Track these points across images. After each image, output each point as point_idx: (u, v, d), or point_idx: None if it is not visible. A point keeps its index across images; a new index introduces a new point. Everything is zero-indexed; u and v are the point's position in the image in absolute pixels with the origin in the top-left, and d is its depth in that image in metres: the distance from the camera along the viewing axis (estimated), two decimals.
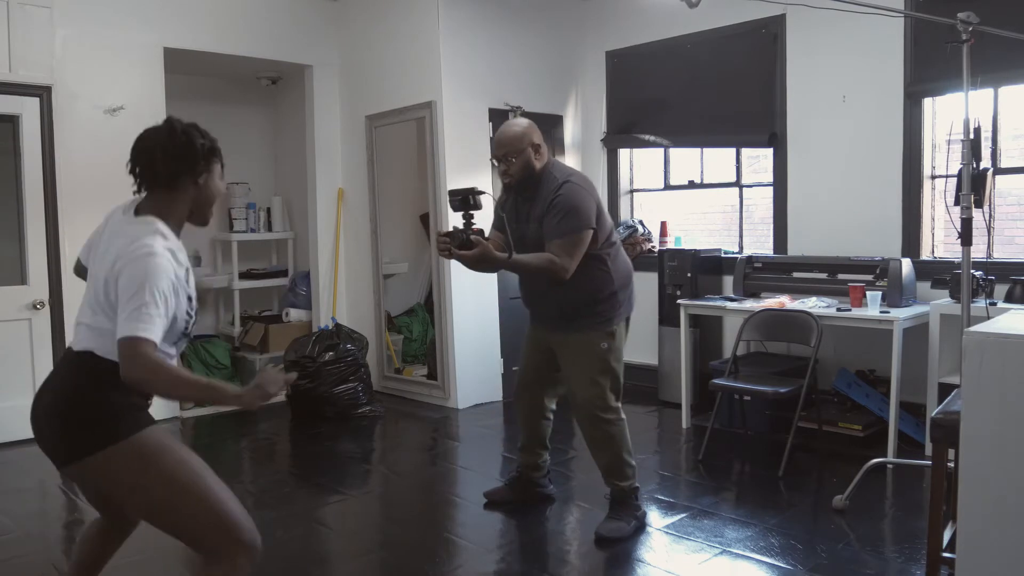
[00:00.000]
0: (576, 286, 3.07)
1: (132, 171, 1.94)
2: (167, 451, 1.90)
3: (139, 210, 1.94)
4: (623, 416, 3.23)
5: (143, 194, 1.97)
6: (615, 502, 3.24)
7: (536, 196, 3.13)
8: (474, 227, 2.94)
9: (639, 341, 5.23)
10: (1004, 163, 4.29)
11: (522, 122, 3.22)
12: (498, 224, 3.30)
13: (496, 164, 3.20)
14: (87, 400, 1.87)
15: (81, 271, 2.11)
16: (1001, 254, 4.28)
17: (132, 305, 1.75)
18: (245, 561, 1.88)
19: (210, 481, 1.91)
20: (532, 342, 3.42)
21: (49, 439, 1.91)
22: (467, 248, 2.90)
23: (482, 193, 2.97)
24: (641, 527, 3.22)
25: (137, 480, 1.85)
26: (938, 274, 4.18)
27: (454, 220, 5.23)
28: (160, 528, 1.92)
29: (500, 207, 3.32)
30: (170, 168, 1.91)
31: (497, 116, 5.52)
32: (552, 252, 3.00)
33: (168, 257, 1.84)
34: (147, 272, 1.77)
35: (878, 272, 4.30)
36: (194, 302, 1.97)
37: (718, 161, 5.54)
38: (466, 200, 2.94)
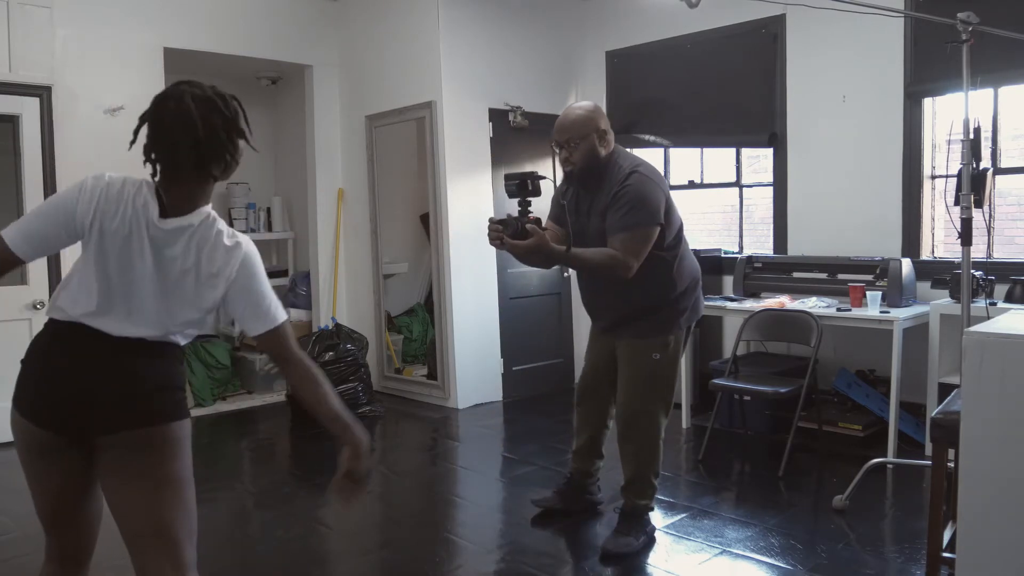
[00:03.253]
0: (635, 289, 2.89)
1: (195, 148, 1.77)
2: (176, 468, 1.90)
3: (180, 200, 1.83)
4: (661, 434, 3.09)
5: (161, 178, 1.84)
6: (625, 516, 3.13)
7: (600, 187, 2.89)
8: (531, 215, 2.68)
9: None
10: (1004, 163, 4.29)
11: (587, 104, 2.96)
12: (557, 215, 3.04)
13: (557, 150, 2.94)
14: (178, 373, 1.89)
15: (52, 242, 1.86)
16: (1001, 254, 4.28)
17: (270, 298, 1.87)
18: None
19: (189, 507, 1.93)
20: (594, 344, 3.28)
21: (125, 404, 1.79)
22: (522, 237, 2.65)
23: (543, 178, 2.73)
24: (650, 543, 3.12)
25: (173, 463, 1.85)
26: (938, 274, 4.18)
27: (455, 217, 5.32)
28: (153, 525, 1.84)
29: (560, 196, 3.07)
30: (198, 156, 1.79)
31: (497, 116, 5.52)
32: (614, 248, 2.78)
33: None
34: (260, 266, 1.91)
35: (878, 272, 4.30)
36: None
37: (718, 161, 5.54)
38: (524, 185, 2.69)
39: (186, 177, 1.81)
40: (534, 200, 2.77)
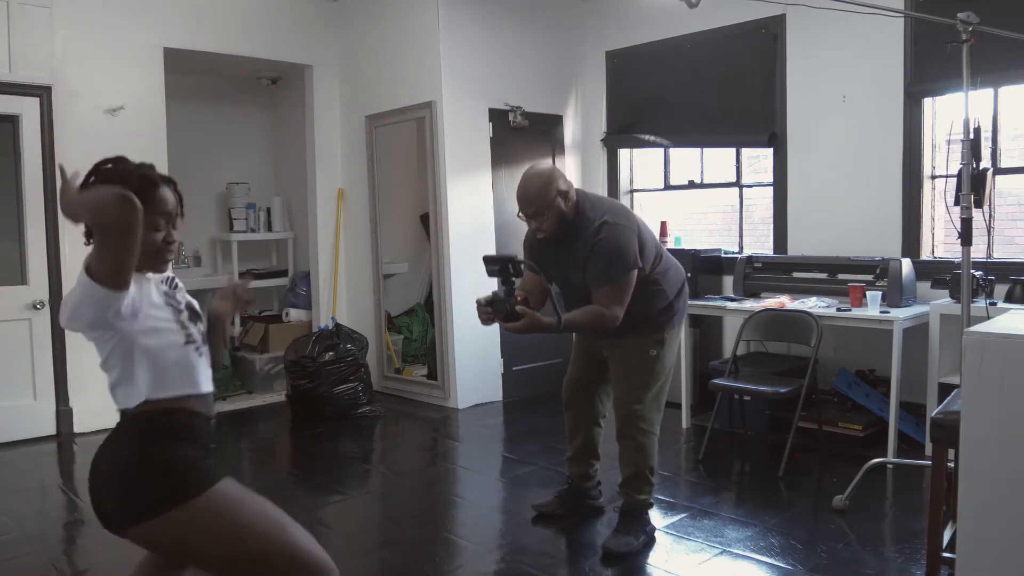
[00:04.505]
0: (631, 309, 2.96)
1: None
2: (242, 503, 1.79)
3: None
4: (656, 431, 3.14)
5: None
6: (625, 515, 3.15)
7: (573, 239, 2.97)
8: (517, 296, 2.79)
9: None
10: (1004, 163, 4.29)
11: (542, 170, 2.99)
12: (531, 268, 3.13)
13: (526, 220, 3.02)
14: (149, 456, 1.74)
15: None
16: (1001, 254, 4.28)
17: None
18: None
19: (287, 527, 1.83)
20: (581, 342, 3.32)
21: (107, 502, 1.76)
22: (513, 319, 2.77)
23: (522, 262, 2.84)
24: (650, 542, 3.12)
25: (211, 540, 1.74)
26: (938, 274, 4.18)
27: (455, 217, 5.32)
28: None
29: (529, 253, 3.17)
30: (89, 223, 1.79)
31: (497, 116, 5.52)
32: (599, 302, 2.91)
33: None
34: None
35: (878, 272, 4.30)
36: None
37: (718, 161, 5.54)
38: (505, 269, 2.77)
39: None
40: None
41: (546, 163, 3.03)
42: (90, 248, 1.67)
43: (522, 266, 2.82)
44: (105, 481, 1.76)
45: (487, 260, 2.82)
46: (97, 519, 1.79)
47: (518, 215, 3.04)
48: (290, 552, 1.80)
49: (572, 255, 3.00)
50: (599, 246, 2.90)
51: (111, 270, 1.62)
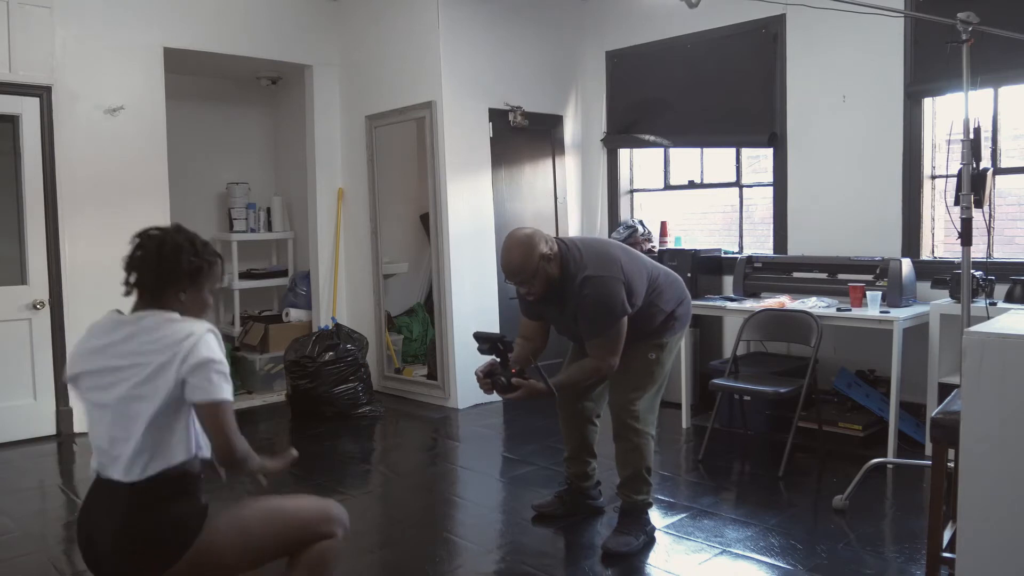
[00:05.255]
0: (630, 327, 3.01)
1: (126, 275, 1.96)
2: (237, 511, 1.99)
3: (136, 310, 1.96)
4: (652, 432, 3.16)
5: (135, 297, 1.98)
6: (624, 515, 3.15)
7: (561, 295, 3.02)
8: (512, 368, 2.95)
9: None
10: (1004, 163, 4.29)
11: (523, 240, 2.95)
12: (527, 310, 3.23)
13: (514, 286, 3.08)
14: (159, 524, 1.86)
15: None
16: (1001, 254, 4.28)
17: (210, 372, 1.83)
18: (340, 529, 2.09)
19: (284, 504, 2.06)
20: (578, 347, 3.33)
21: (123, 569, 1.88)
22: (510, 390, 2.94)
23: (511, 341, 2.99)
24: (650, 542, 3.13)
25: (227, 553, 1.93)
26: (938, 274, 4.18)
27: (455, 217, 5.32)
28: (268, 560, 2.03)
29: (524, 305, 3.23)
30: (155, 284, 1.93)
31: (497, 116, 5.52)
32: (593, 355, 3.00)
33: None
34: (213, 346, 1.88)
35: (878, 272, 4.30)
36: None
37: (718, 161, 5.54)
38: (495, 347, 2.93)
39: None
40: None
41: (527, 229, 3.03)
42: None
43: (512, 343, 2.99)
44: (115, 556, 1.85)
45: (477, 338, 2.98)
46: None
47: (506, 282, 3.10)
48: (299, 520, 2.03)
49: (563, 310, 3.06)
50: (584, 303, 2.95)
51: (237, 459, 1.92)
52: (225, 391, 1.85)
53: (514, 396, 2.95)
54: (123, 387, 1.84)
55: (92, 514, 1.90)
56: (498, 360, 2.98)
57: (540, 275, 2.95)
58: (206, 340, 1.85)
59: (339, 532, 2.07)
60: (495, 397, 5.42)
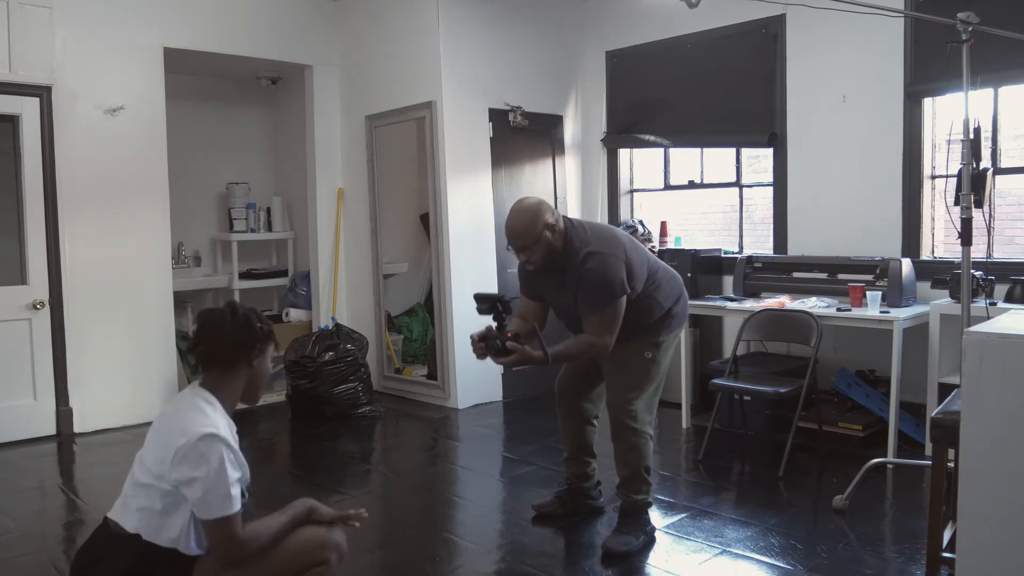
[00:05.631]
0: (625, 322, 3.00)
1: (193, 351, 2.04)
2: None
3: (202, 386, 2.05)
4: (651, 432, 3.15)
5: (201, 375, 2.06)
6: (624, 514, 3.16)
7: (564, 270, 3.02)
8: (508, 332, 2.90)
9: None
10: (1004, 163, 4.29)
11: (529, 205, 3.00)
12: (528, 290, 3.23)
13: (515, 254, 3.06)
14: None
15: None
16: (1001, 254, 4.28)
17: (212, 484, 1.86)
18: (334, 555, 2.13)
19: (287, 540, 2.07)
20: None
21: None
22: (504, 354, 2.89)
23: (511, 299, 2.94)
24: (650, 542, 3.13)
25: None
26: (938, 274, 4.18)
27: (455, 217, 5.31)
28: None
29: (524, 282, 3.23)
30: (230, 352, 2.01)
31: (497, 116, 5.52)
32: (589, 331, 2.97)
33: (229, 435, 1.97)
34: (221, 451, 1.91)
35: (878, 272, 4.30)
36: (246, 474, 2.05)
37: (718, 161, 5.54)
38: (494, 307, 2.89)
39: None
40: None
41: (534, 197, 3.05)
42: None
43: (511, 303, 2.93)
44: None
45: (477, 299, 2.95)
46: None
47: (508, 249, 3.09)
48: (297, 552, 2.06)
49: (563, 285, 3.05)
50: (586, 277, 2.95)
51: (266, 540, 1.98)
52: (228, 506, 1.88)
53: (507, 360, 2.89)
54: (147, 456, 1.95)
55: (94, 554, 1.97)
56: (495, 325, 2.92)
57: (542, 243, 2.96)
58: (206, 445, 1.89)
59: (333, 558, 2.10)
60: (495, 397, 5.50)
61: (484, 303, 2.92)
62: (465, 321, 5.32)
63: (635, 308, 3.04)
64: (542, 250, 2.98)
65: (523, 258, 3.04)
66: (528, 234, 2.95)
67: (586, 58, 6.00)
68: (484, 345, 2.93)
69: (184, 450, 1.86)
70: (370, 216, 5.87)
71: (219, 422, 1.95)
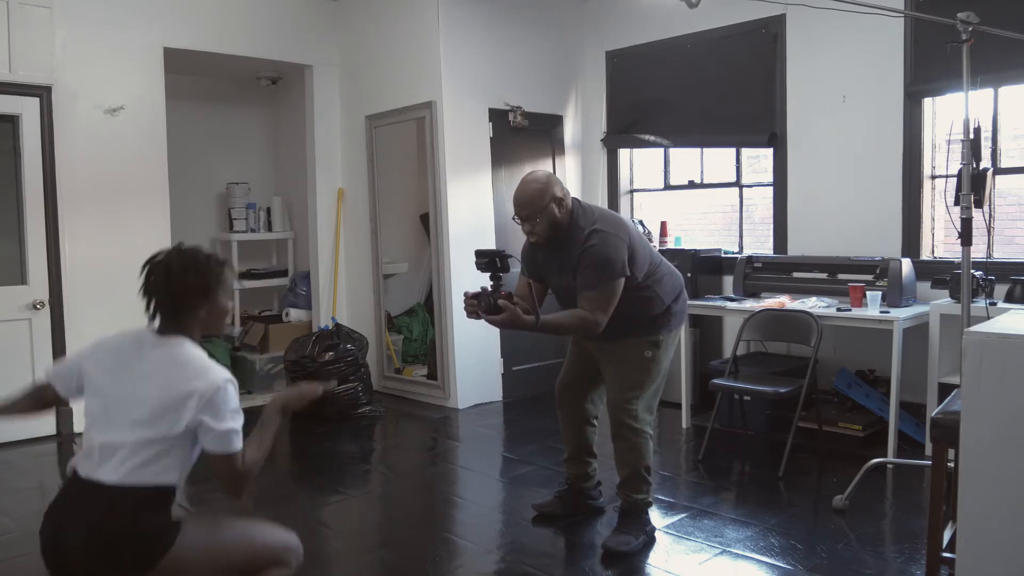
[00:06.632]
0: (625, 314, 2.99)
1: (145, 303, 2.03)
2: (210, 530, 2.03)
3: (161, 332, 2.04)
4: (650, 431, 3.15)
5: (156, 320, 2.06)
6: (624, 514, 3.16)
7: (565, 246, 3.02)
8: (502, 291, 2.87)
9: None
10: (1004, 163, 4.29)
11: (540, 176, 3.04)
12: (530, 271, 3.21)
13: (519, 223, 3.06)
14: (135, 531, 1.90)
15: (70, 391, 2.12)
16: (1001, 254, 4.28)
17: (233, 424, 1.93)
18: (295, 560, 2.13)
19: (252, 530, 2.10)
20: (576, 347, 3.35)
21: (88, 567, 1.91)
22: (495, 312, 2.84)
23: (510, 256, 2.92)
24: (650, 542, 3.13)
25: (191, 573, 1.96)
26: (938, 274, 4.18)
27: (455, 217, 5.32)
28: None
29: (526, 259, 3.23)
30: (171, 306, 2.02)
31: (497, 116, 5.52)
32: (583, 307, 2.94)
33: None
34: (230, 392, 1.96)
35: (878, 272, 4.30)
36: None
37: (718, 161, 5.54)
38: (493, 262, 2.87)
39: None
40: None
41: (545, 170, 3.05)
42: None
43: (509, 260, 2.90)
44: (85, 557, 1.87)
45: (478, 253, 2.93)
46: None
47: (513, 218, 3.08)
48: (263, 546, 2.07)
49: (565, 261, 3.04)
50: (588, 252, 2.94)
51: (261, 459, 2.00)
52: (236, 443, 1.94)
53: (497, 319, 2.84)
54: (135, 404, 1.93)
55: (63, 512, 1.93)
56: (491, 285, 2.88)
57: (548, 215, 2.97)
58: (227, 391, 1.93)
59: (293, 563, 2.11)
60: (495, 397, 5.50)
61: (483, 257, 2.90)
62: (465, 321, 5.31)
63: (637, 300, 3.03)
64: (546, 221, 2.98)
65: (527, 228, 3.03)
66: (535, 204, 2.96)
67: (586, 58, 6.00)
68: (477, 303, 2.89)
69: (209, 395, 1.90)
70: (370, 216, 5.87)
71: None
